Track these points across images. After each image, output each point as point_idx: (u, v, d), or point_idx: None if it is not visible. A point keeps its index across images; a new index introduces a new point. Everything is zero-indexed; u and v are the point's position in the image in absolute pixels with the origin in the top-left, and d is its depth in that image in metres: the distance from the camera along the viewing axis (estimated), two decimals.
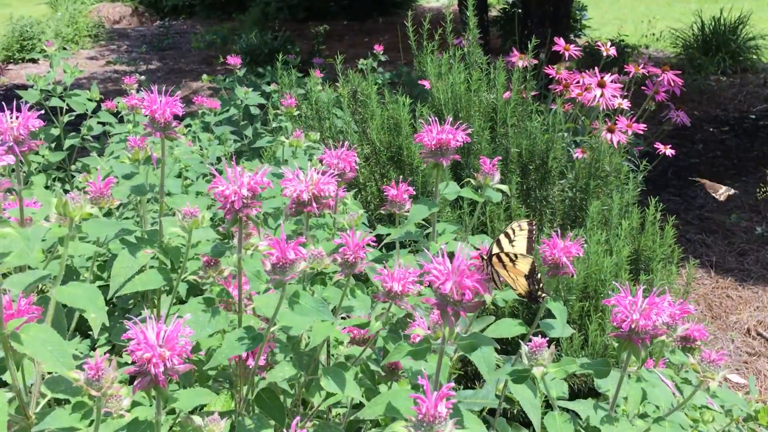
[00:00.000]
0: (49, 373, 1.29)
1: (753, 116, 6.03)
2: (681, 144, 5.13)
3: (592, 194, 2.57)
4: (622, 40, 7.49)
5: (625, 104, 2.87)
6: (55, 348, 1.12)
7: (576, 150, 2.64)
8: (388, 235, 1.68)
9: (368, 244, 1.33)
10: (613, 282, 1.77)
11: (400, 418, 1.20)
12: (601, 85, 2.77)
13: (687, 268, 2.35)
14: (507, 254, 1.34)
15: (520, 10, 6.03)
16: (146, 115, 1.47)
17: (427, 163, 1.61)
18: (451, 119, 1.63)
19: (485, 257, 1.34)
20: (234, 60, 3.63)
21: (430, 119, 1.61)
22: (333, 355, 1.54)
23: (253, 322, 1.38)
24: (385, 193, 1.67)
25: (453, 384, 1.04)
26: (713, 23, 7.43)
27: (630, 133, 2.77)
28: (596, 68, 2.84)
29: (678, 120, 3.15)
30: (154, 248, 1.55)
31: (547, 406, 1.43)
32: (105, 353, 1.89)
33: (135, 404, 1.28)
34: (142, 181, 1.66)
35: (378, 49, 4.33)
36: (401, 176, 2.66)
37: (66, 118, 3.19)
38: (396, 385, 1.54)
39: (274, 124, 3.35)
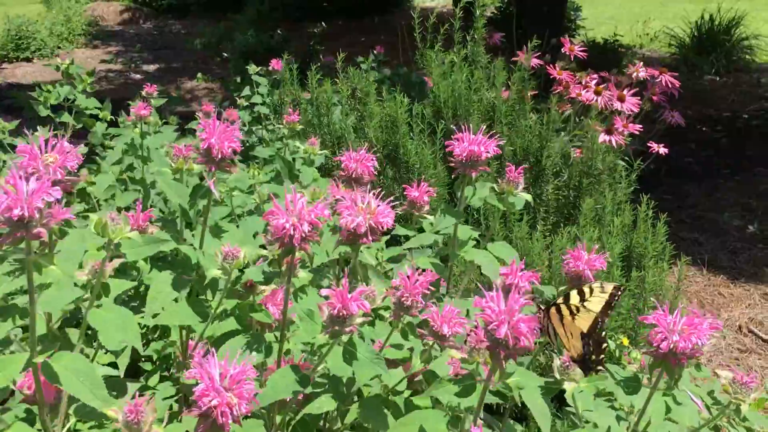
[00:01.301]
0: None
1: (746, 116, 6.07)
2: (674, 143, 5.15)
3: (586, 192, 2.60)
4: (617, 40, 7.52)
5: (619, 105, 2.89)
6: (88, 378, 1.06)
7: (575, 150, 2.67)
8: (402, 236, 1.66)
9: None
10: (651, 299, 1.69)
11: None
12: (621, 99, 2.79)
13: (679, 265, 2.38)
14: (568, 305, 1.29)
15: (514, 9, 6.05)
16: (204, 148, 1.34)
17: (457, 173, 1.55)
18: (484, 128, 1.57)
19: (543, 307, 1.31)
20: (276, 64, 3.59)
21: (463, 127, 1.55)
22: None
23: (292, 347, 1.33)
24: (406, 193, 1.62)
25: None
26: (708, 23, 7.48)
27: (627, 133, 2.80)
28: (626, 86, 2.88)
29: (672, 120, 3.18)
30: (192, 276, 1.46)
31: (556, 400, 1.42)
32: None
33: None
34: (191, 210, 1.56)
35: (379, 50, 4.34)
36: (397, 174, 2.69)
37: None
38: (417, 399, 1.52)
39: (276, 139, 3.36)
